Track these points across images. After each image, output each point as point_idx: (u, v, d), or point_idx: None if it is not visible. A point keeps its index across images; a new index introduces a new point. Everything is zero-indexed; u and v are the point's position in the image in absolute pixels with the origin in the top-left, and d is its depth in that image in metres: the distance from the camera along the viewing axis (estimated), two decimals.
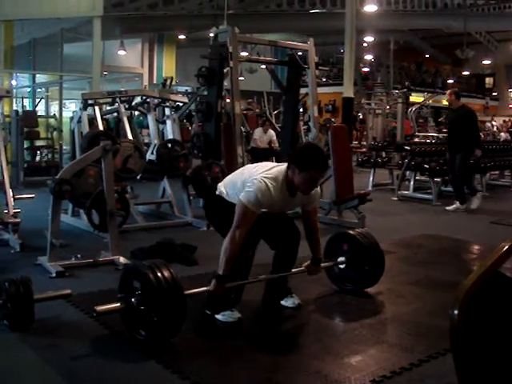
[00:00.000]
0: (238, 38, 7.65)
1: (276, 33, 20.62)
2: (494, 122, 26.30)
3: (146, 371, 3.06)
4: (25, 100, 16.94)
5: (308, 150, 3.64)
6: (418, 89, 23.52)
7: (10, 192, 6.26)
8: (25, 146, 11.72)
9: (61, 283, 4.51)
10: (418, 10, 21.32)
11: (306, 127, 13.44)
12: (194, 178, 7.27)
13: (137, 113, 10.95)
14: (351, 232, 4.54)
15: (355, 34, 14.19)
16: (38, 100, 16.40)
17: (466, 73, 30.83)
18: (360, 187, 9.10)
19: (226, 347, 3.43)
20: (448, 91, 9.08)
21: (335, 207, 7.43)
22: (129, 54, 20.79)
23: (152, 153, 7.80)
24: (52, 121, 13.74)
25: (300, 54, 8.86)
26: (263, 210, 3.60)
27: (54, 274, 4.76)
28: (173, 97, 8.93)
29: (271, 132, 11.71)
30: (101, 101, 8.25)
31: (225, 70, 7.93)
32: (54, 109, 16.36)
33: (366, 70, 27.75)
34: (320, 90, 10.71)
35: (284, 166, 3.61)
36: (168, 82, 15.52)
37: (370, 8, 16.84)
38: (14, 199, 6.31)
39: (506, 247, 1.80)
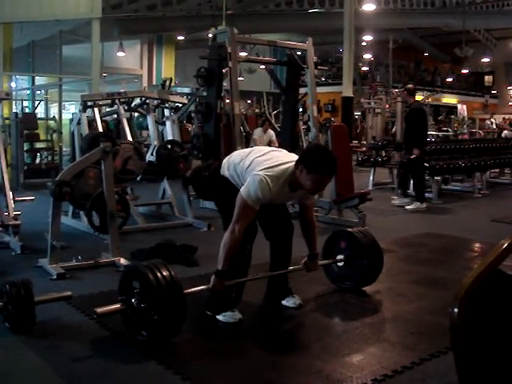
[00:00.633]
0: (237, 38, 7.66)
1: (275, 33, 20.62)
2: (492, 120, 26.29)
3: (147, 372, 3.06)
4: (24, 102, 16.97)
5: (319, 152, 3.54)
6: (417, 87, 23.54)
7: (10, 194, 6.27)
8: (25, 149, 11.73)
9: (61, 285, 4.52)
10: (417, 8, 21.30)
11: (305, 127, 13.45)
12: (194, 178, 7.27)
13: (136, 114, 10.96)
14: (348, 230, 4.55)
15: (354, 34, 14.19)
16: (37, 102, 16.39)
17: (465, 71, 30.80)
18: (360, 186, 9.10)
19: (227, 348, 3.43)
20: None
21: (335, 206, 7.44)
22: (128, 56, 20.79)
23: (152, 154, 7.81)
24: (52, 123, 13.74)
25: (299, 53, 8.86)
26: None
27: (54, 276, 4.76)
28: (172, 98, 8.93)
29: (271, 132, 11.71)
30: (100, 102, 8.25)
31: (224, 71, 7.95)
32: (54, 111, 16.35)
33: (365, 69, 27.74)
34: (319, 89, 10.73)
35: (292, 164, 3.52)
36: (167, 83, 15.52)
37: (369, 7, 16.84)
38: (14, 201, 6.32)
39: (506, 245, 1.80)
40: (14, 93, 15.06)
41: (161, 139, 8.80)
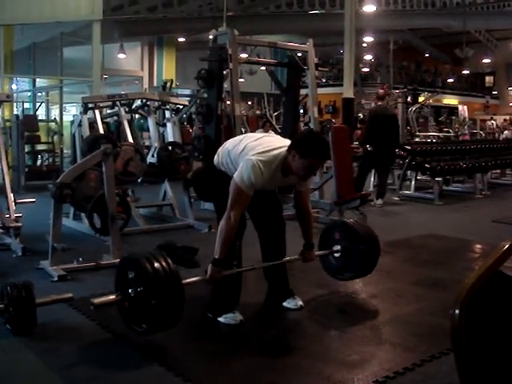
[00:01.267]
0: (238, 40, 7.65)
1: (275, 34, 20.60)
2: (493, 121, 26.27)
3: (149, 374, 3.06)
4: (25, 104, 16.99)
5: (310, 137, 3.56)
6: (418, 88, 23.54)
7: (11, 196, 6.27)
8: (26, 150, 11.73)
9: (63, 287, 4.51)
10: (417, 9, 21.32)
11: (306, 128, 13.42)
12: (195, 180, 7.27)
13: (137, 116, 10.97)
14: (341, 220, 4.54)
15: (354, 35, 14.20)
16: (38, 104, 16.42)
17: (465, 72, 30.79)
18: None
19: (229, 349, 3.43)
20: None
21: (336, 208, 7.43)
22: (129, 57, 20.80)
23: (153, 156, 7.81)
24: (52, 125, 13.75)
25: (299, 55, 8.86)
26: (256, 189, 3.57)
27: (55, 278, 4.77)
28: (173, 99, 8.94)
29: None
30: (101, 104, 8.26)
31: (224, 72, 7.93)
32: (55, 113, 16.38)
33: (365, 70, 27.74)
34: (320, 90, 10.72)
35: (284, 149, 3.53)
36: (168, 84, 15.52)
37: (369, 8, 16.86)
38: (16, 203, 6.32)
39: (507, 246, 1.80)
40: (14, 95, 15.08)
41: (162, 141, 8.81)
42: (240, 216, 3.51)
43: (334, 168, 7.38)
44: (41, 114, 16.26)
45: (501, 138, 21.44)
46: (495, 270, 1.78)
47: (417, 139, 14.65)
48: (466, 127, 21.57)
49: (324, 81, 25.90)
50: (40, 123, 12.86)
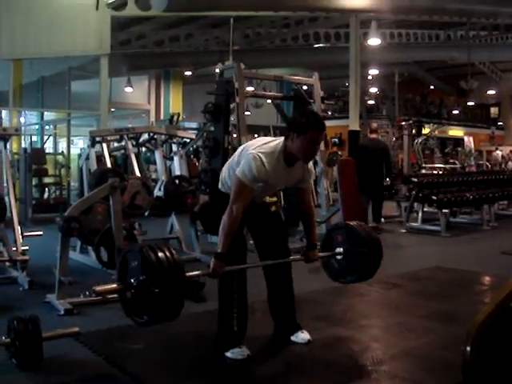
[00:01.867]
0: (244, 73, 7.73)
1: (281, 67, 20.78)
2: (498, 152, 26.28)
3: None
4: (33, 137, 17.12)
5: (303, 113, 3.79)
6: (424, 120, 23.63)
7: (18, 229, 6.29)
8: (33, 183, 11.80)
9: (69, 321, 4.50)
10: (422, 42, 21.44)
11: (312, 160, 13.46)
12: (202, 213, 7.27)
13: (144, 149, 11.04)
14: (343, 223, 4.52)
15: (359, 68, 14.30)
16: (46, 137, 16.54)
17: (470, 103, 30.89)
18: (368, 219, 9.07)
19: None
20: None
21: None
22: (136, 91, 20.99)
23: (160, 189, 7.84)
24: (60, 158, 13.86)
25: (305, 88, 8.93)
26: (259, 184, 3.59)
27: (62, 312, 4.75)
28: (179, 133, 9.00)
29: None
30: (108, 138, 8.32)
31: (231, 106, 8.00)
32: (62, 146, 16.48)
33: (371, 102, 27.89)
34: (326, 123, 10.73)
35: (281, 139, 3.65)
36: (175, 118, 15.65)
37: (374, 42, 16.99)
38: (23, 236, 6.34)
39: None
40: (23, 128, 15.20)
41: (168, 174, 8.84)
42: (242, 210, 3.53)
43: (341, 200, 7.38)
44: (48, 146, 16.37)
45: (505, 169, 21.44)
46: (506, 305, 1.77)
47: (423, 171, 14.66)
48: (472, 158, 21.61)
49: (330, 113, 26.06)
50: (47, 156, 12.96)
